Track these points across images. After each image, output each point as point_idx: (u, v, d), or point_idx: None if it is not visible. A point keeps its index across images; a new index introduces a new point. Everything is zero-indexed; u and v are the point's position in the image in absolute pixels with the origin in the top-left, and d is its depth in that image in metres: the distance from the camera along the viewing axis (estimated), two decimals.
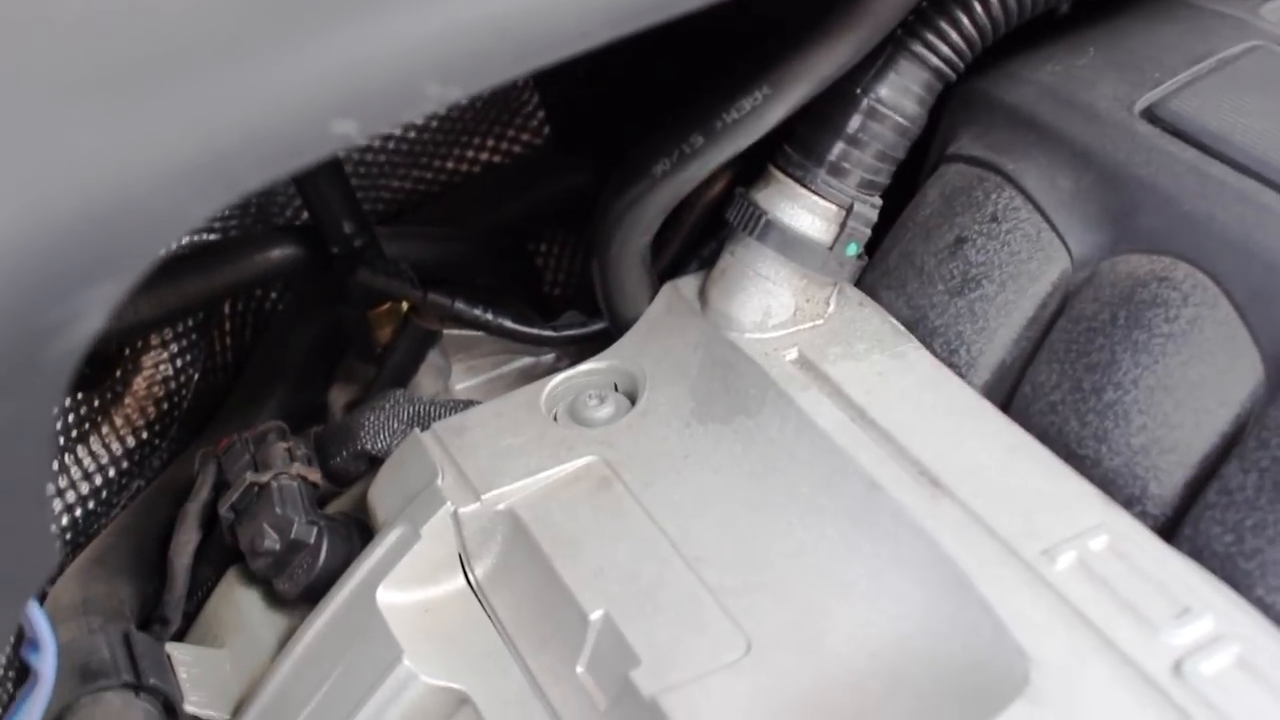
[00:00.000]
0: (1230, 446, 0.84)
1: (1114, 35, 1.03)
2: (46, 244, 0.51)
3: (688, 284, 1.02)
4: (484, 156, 1.36)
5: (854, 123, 0.93)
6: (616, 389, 0.99)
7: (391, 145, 1.30)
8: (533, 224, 1.39)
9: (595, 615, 0.81)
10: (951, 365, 0.94)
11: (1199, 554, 0.80)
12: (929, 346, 0.95)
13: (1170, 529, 0.84)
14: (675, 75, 1.17)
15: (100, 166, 0.51)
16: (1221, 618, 0.74)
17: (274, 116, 0.54)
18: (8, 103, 0.51)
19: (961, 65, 0.95)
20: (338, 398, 1.23)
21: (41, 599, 1.03)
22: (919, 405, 0.89)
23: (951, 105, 1.03)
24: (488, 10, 0.56)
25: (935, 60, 0.93)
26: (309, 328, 1.24)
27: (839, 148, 0.93)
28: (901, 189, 1.02)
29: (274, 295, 1.29)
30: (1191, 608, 0.75)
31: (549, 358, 1.20)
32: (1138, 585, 0.76)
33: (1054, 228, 0.95)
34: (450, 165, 1.34)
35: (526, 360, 1.21)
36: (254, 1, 0.54)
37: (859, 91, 0.92)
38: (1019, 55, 1.03)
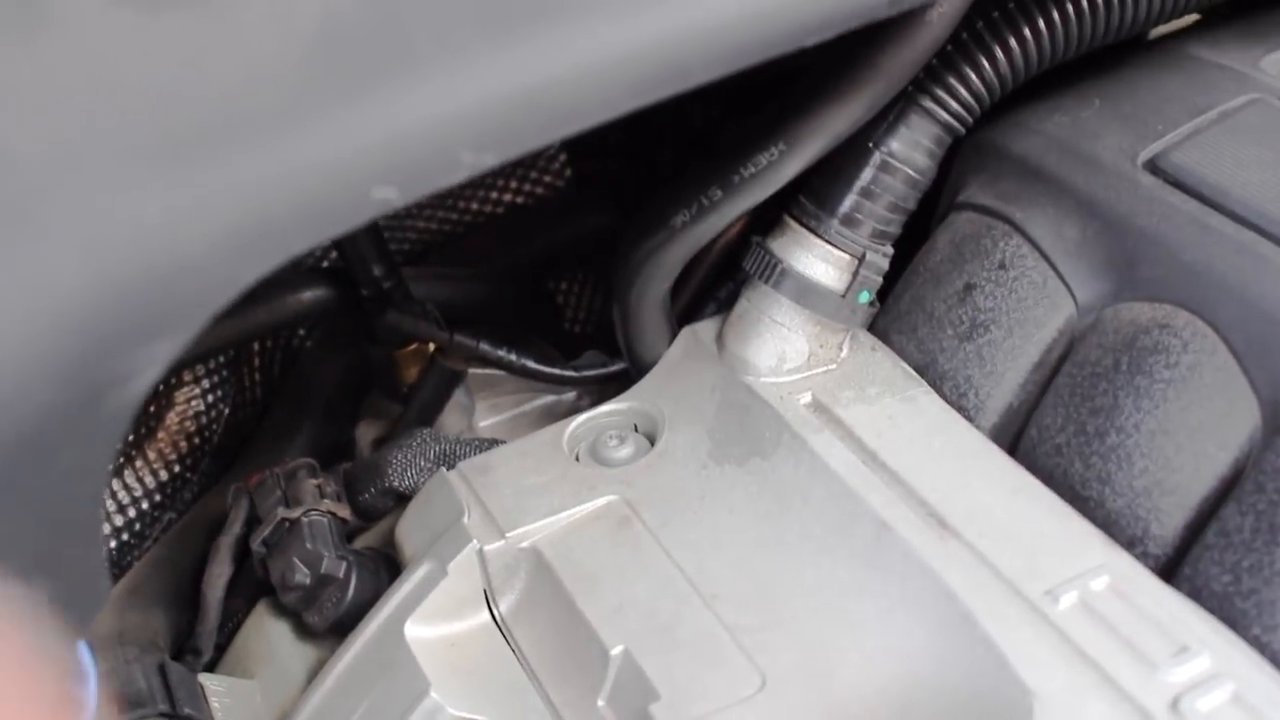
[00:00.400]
0: (1228, 489, 0.86)
1: (1119, 86, 1.06)
2: (109, 302, 0.54)
3: (705, 328, 1.05)
4: (508, 198, 1.39)
5: (866, 175, 0.96)
6: (636, 429, 1.02)
7: None
8: (554, 263, 1.42)
9: (616, 651, 0.84)
10: (961, 408, 0.97)
11: (1198, 594, 0.83)
12: (939, 390, 0.98)
13: (1171, 569, 0.87)
14: (692, 122, 1.21)
15: (160, 231, 0.55)
16: (1218, 656, 0.77)
17: (320, 185, 0.57)
18: (77, 167, 0.54)
19: (970, 120, 0.98)
20: (365, 434, 1.26)
21: None
22: (928, 448, 0.92)
23: (962, 154, 1.06)
24: (518, 83, 0.59)
25: (945, 115, 0.96)
26: (335, 365, 1.27)
27: (852, 199, 0.97)
28: (915, 235, 1.06)
29: (302, 333, 1.32)
30: (1189, 646, 0.77)
31: (570, 396, 1.23)
32: (1137, 624, 0.79)
33: (1060, 275, 0.97)
34: (475, 206, 1.38)
35: (549, 399, 1.23)
36: (301, 75, 0.57)
37: (871, 145, 0.96)
38: (1028, 105, 1.06)
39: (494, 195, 1.38)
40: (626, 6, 0.62)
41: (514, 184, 1.39)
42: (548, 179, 1.40)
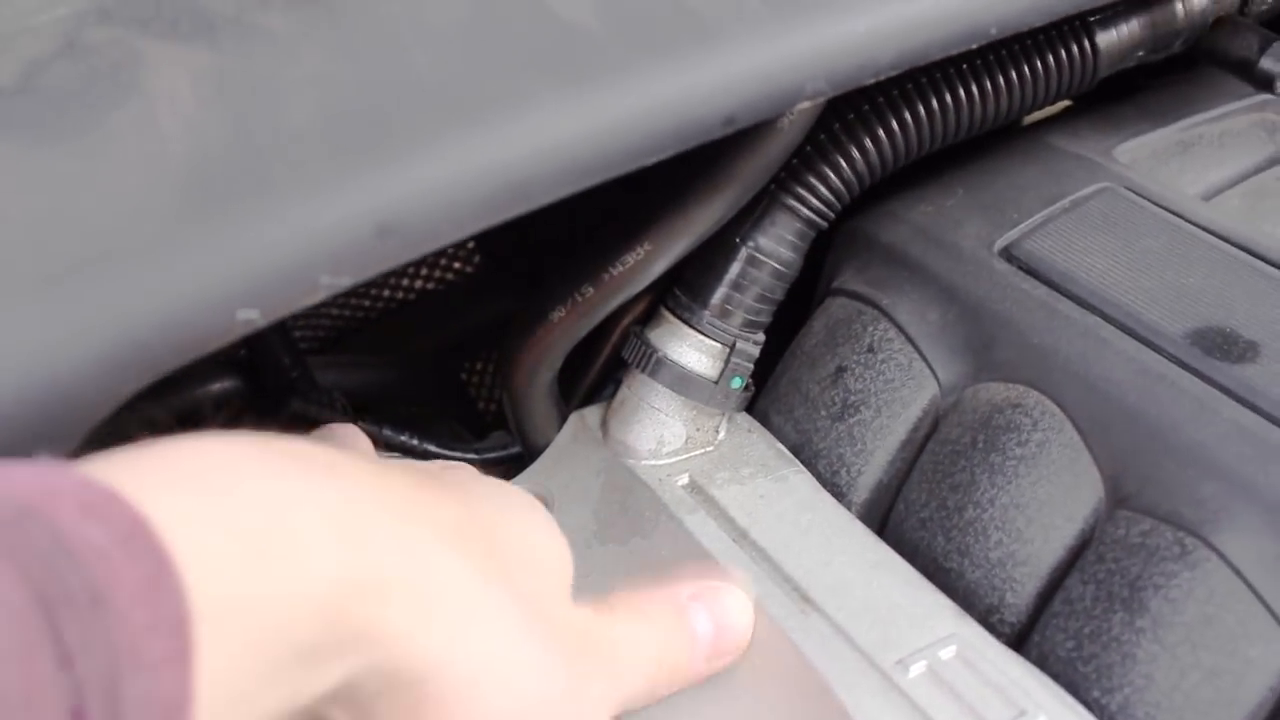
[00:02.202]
0: (1075, 560, 0.92)
1: (981, 176, 1.13)
2: None
3: (592, 413, 1.10)
4: (419, 284, 1.44)
5: (735, 269, 1.02)
6: None
7: None
8: (466, 346, 1.48)
9: None
10: (834, 485, 1.03)
11: (1045, 659, 0.89)
12: (814, 468, 1.04)
13: (1024, 636, 0.92)
14: (592, 208, 1.26)
15: (37, 355, 0.60)
16: (1053, 719, 0.83)
17: (187, 310, 0.62)
18: None
19: (832, 214, 1.04)
20: None
21: None
22: (795, 525, 0.97)
23: (837, 242, 1.12)
24: (368, 211, 0.65)
25: (807, 211, 1.02)
26: None
27: (722, 292, 1.02)
28: (796, 319, 1.12)
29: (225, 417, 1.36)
30: (1026, 710, 0.83)
31: None
32: (980, 690, 0.84)
33: (924, 358, 1.03)
34: (387, 294, 1.43)
35: None
36: (168, 209, 0.63)
37: (739, 241, 1.01)
38: (898, 194, 1.12)
39: (405, 283, 1.43)
40: (470, 133, 0.67)
41: (424, 271, 1.44)
42: (457, 265, 1.45)
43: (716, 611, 0.85)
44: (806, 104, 0.76)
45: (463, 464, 0.88)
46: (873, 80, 0.77)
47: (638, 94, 0.70)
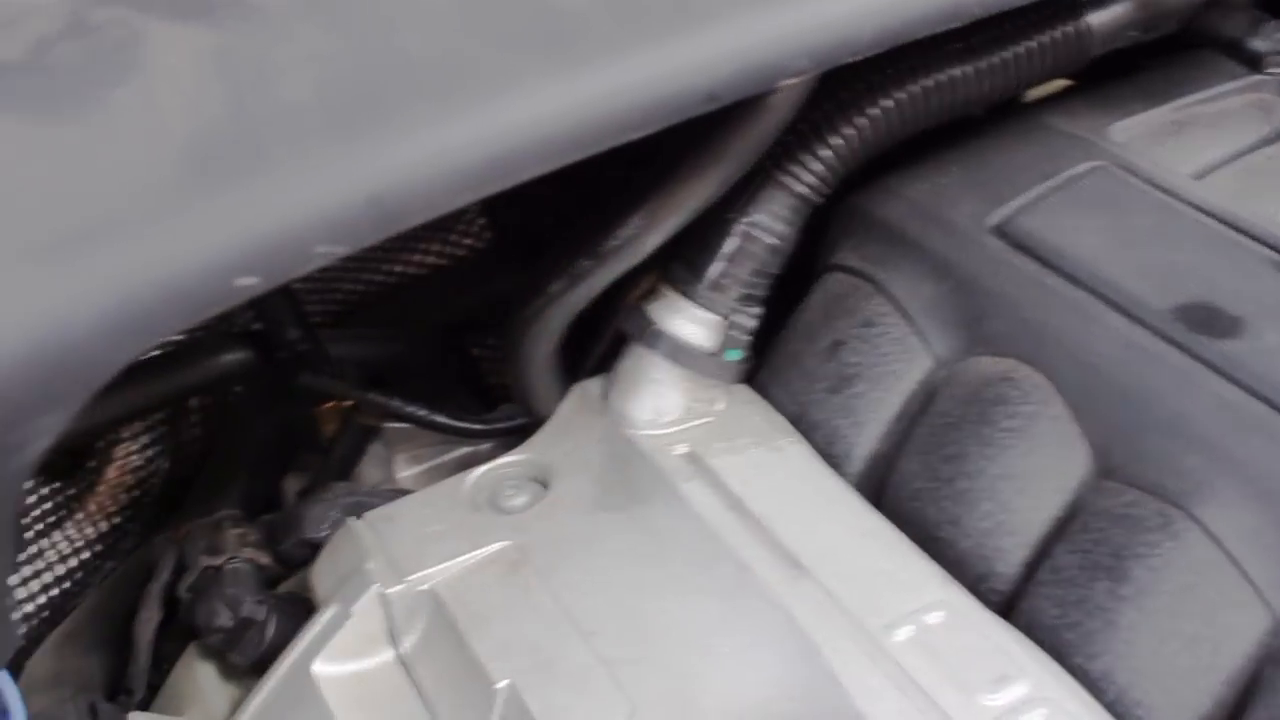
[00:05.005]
0: (1062, 529, 0.94)
1: (976, 153, 1.15)
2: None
3: (593, 385, 1.12)
4: (430, 260, 1.46)
5: (730, 245, 1.04)
6: (535, 479, 1.09)
7: None
8: (475, 321, 1.50)
9: (501, 685, 0.90)
10: (830, 457, 1.04)
11: (1031, 626, 0.91)
12: (811, 439, 1.06)
13: (1012, 603, 0.94)
14: (593, 187, 1.28)
15: (43, 319, 0.62)
16: (1036, 683, 0.85)
17: (188, 276, 0.65)
18: None
19: (828, 189, 1.06)
20: (290, 486, 1.33)
21: (18, 672, 1.13)
22: (789, 494, 1.00)
23: (835, 217, 1.14)
24: (362, 183, 0.67)
25: (802, 187, 1.04)
26: (266, 422, 1.34)
27: (718, 266, 1.04)
28: (796, 293, 1.14)
29: (239, 390, 1.39)
30: (1008, 674, 0.85)
31: (486, 448, 1.30)
32: (964, 655, 0.87)
33: (918, 332, 1.05)
34: (399, 269, 1.45)
35: (465, 450, 1.29)
36: (169, 179, 0.65)
37: (734, 216, 1.03)
38: (895, 171, 1.14)
39: (415, 258, 1.45)
40: (458, 108, 0.70)
41: (435, 246, 1.46)
42: (468, 241, 1.47)
43: None
44: (791, 80, 0.78)
45: None
46: (854, 58, 0.79)
47: (621, 70, 0.72)
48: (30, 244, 0.63)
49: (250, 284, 0.66)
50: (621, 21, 0.74)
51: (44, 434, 0.64)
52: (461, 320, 1.47)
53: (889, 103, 1.04)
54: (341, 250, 0.68)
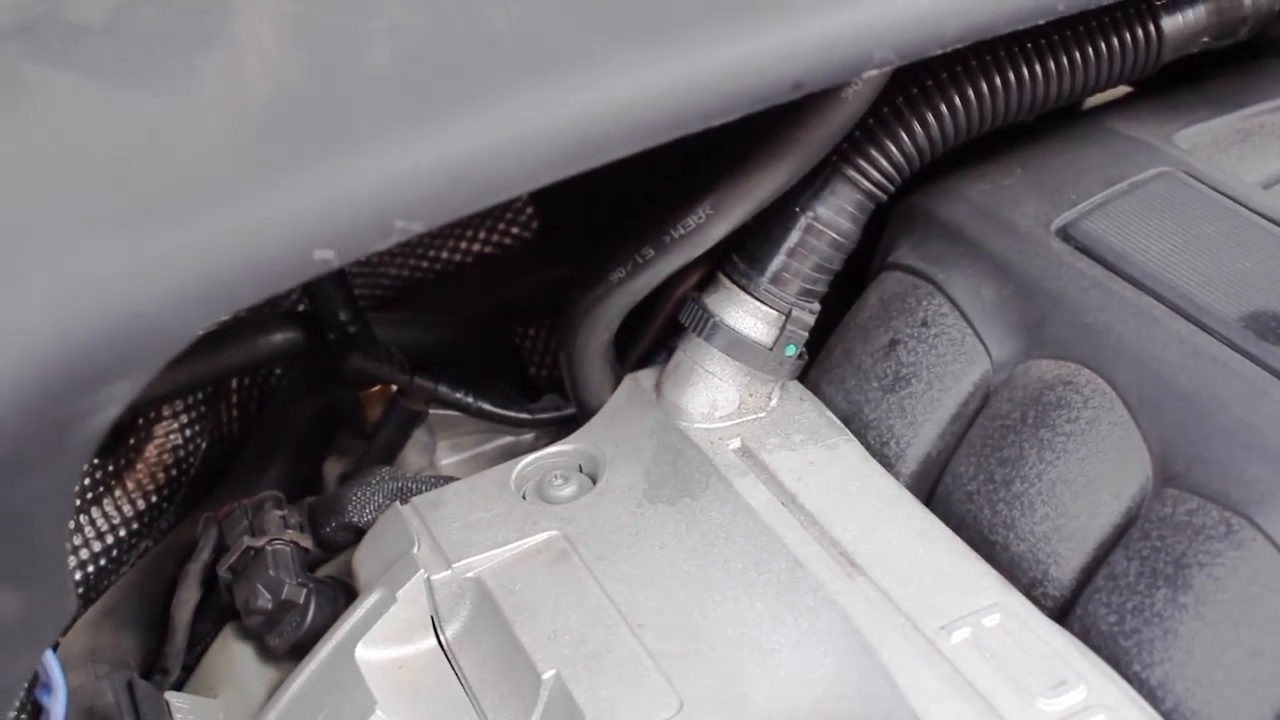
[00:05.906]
0: (1120, 536, 0.93)
1: (1040, 156, 1.14)
2: (73, 348, 0.61)
3: (646, 376, 1.12)
4: (476, 247, 1.46)
5: (793, 238, 1.03)
6: (581, 470, 1.09)
7: None
8: (520, 310, 1.49)
9: (547, 675, 0.90)
10: (883, 456, 1.04)
11: (1087, 632, 0.90)
12: (863, 438, 1.05)
13: (1066, 609, 0.93)
14: (647, 178, 1.28)
15: (120, 286, 0.61)
16: (1094, 689, 0.84)
17: (266, 247, 0.64)
18: (45, 229, 0.61)
19: (892, 187, 1.05)
20: (332, 470, 1.33)
21: (55, 647, 1.13)
22: (844, 492, 0.99)
23: (894, 217, 1.14)
24: (445, 159, 0.66)
25: (867, 184, 1.03)
26: (308, 404, 1.34)
27: (780, 260, 1.04)
28: (852, 291, 1.13)
29: (278, 372, 1.39)
30: (1067, 680, 0.84)
31: (529, 437, 1.29)
32: (1022, 659, 0.86)
33: (977, 334, 1.04)
34: (445, 255, 1.45)
35: (508, 439, 1.30)
36: (250, 148, 0.65)
37: (799, 210, 1.03)
38: (956, 171, 1.13)
39: (463, 245, 1.45)
40: (543, 88, 0.69)
41: (482, 234, 1.46)
42: (515, 230, 1.47)
43: None
44: (873, 72, 0.77)
45: None
46: (939, 51, 0.78)
47: (708, 56, 0.72)
48: (109, 210, 0.62)
49: (328, 257, 0.65)
50: (712, 6, 0.73)
51: (114, 402, 0.63)
52: (506, 310, 1.47)
53: (959, 100, 1.03)
54: (419, 227, 0.67)
